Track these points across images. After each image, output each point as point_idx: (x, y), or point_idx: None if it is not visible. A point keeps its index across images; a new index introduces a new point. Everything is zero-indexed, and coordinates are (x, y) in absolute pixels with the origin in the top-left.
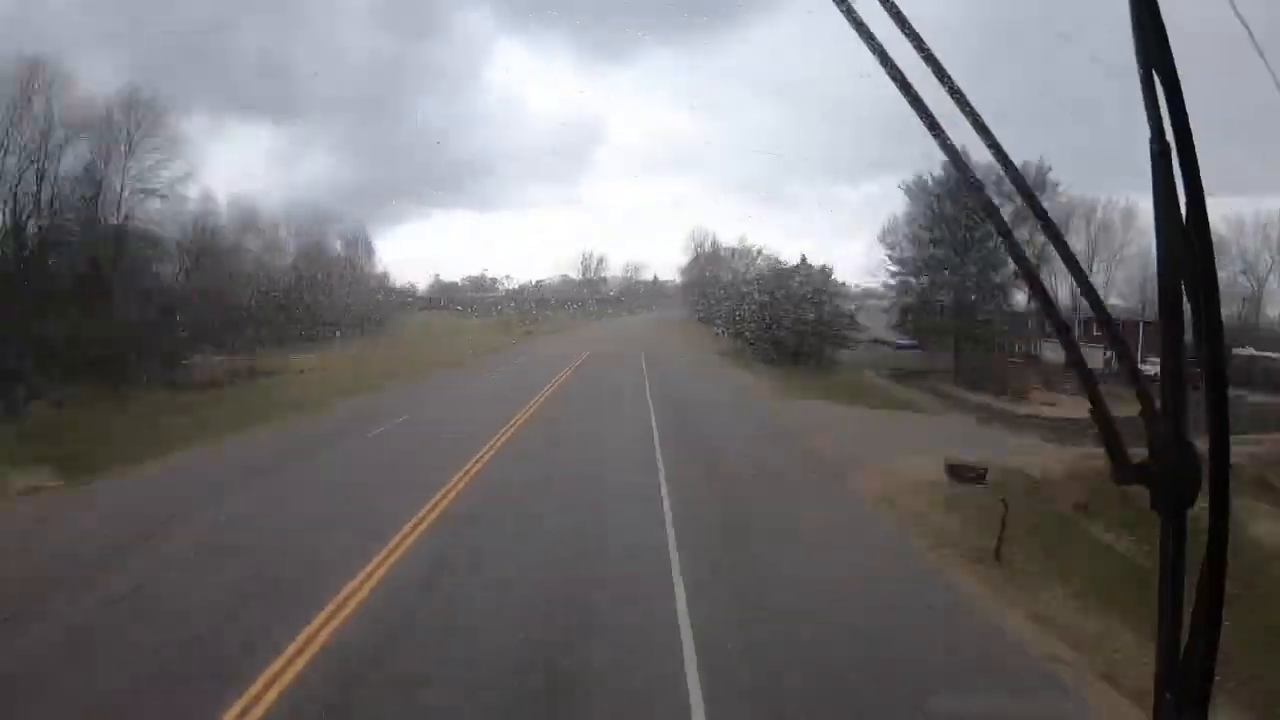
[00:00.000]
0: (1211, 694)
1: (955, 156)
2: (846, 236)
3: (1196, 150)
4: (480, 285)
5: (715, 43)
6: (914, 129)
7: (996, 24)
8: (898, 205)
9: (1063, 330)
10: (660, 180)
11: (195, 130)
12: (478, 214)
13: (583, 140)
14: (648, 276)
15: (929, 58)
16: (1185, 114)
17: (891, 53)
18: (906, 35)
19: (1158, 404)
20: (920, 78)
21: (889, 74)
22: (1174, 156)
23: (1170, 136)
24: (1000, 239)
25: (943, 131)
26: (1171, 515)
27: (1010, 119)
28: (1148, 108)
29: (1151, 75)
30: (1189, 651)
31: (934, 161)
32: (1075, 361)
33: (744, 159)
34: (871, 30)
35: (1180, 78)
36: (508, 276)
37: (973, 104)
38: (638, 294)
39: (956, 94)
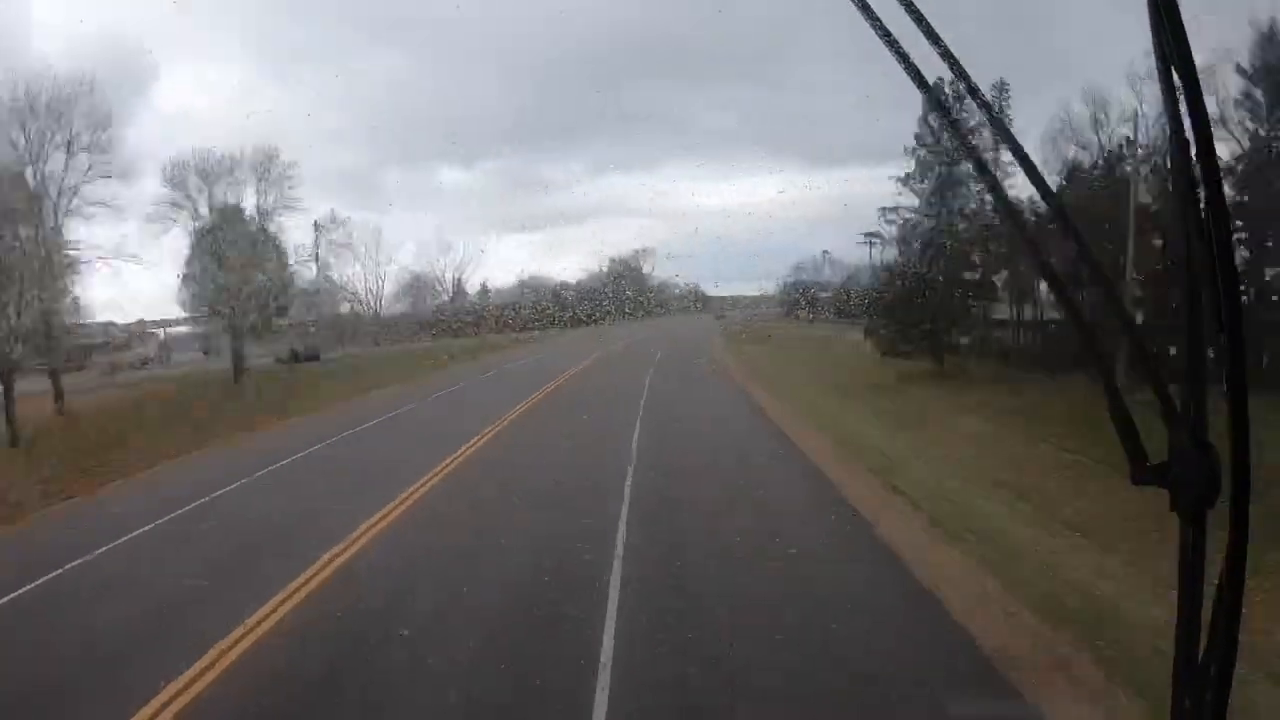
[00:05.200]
0: (1229, 700)
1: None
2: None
3: (1215, 146)
4: None
5: None
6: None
7: None
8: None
9: (1081, 325)
10: None
11: None
12: None
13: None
14: None
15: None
16: (1204, 109)
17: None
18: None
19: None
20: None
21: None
22: (1193, 152)
23: (1189, 132)
24: (1006, 219)
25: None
26: (1191, 519)
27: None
28: (1166, 103)
29: (1170, 71)
30: (1207, 656)
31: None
32: (1094, 358)
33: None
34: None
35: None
36: None
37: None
38: None
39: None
